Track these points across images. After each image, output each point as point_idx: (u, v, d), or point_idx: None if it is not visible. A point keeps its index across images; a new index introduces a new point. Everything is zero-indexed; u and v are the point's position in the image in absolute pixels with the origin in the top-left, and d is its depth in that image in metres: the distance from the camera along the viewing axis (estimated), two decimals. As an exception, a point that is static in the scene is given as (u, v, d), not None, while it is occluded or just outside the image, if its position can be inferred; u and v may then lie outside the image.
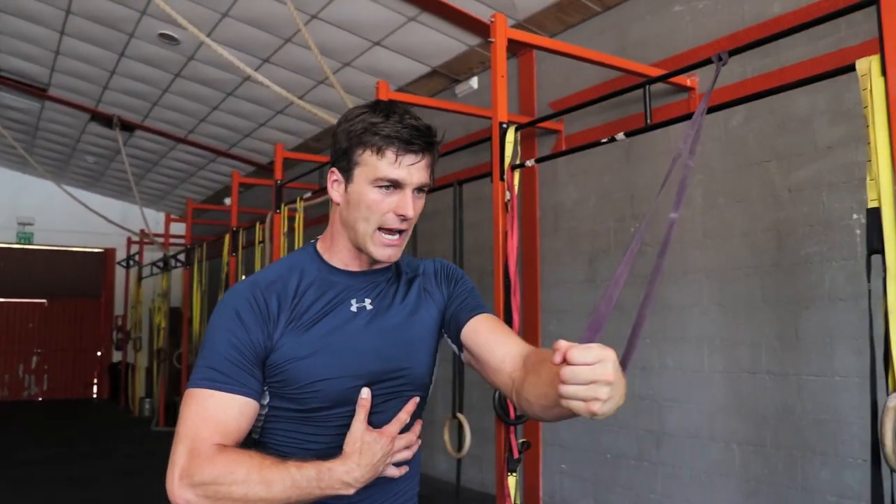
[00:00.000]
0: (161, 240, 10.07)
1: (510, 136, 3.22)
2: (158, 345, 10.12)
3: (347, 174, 1.38)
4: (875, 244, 1.93)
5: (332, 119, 5.18)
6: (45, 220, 12.91)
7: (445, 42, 5.61)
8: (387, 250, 1.40)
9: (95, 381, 14.16)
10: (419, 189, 1.39)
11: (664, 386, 4.26)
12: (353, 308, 1.42)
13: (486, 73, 5.95)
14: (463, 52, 5.77)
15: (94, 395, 14.08)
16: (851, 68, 2.02)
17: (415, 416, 1.44)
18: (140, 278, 11.30)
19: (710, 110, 2.70)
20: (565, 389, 0.99)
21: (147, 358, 11.50)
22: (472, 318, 1.48)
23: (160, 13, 5.98)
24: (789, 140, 3.67)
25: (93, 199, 12.42)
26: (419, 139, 1.35)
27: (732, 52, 2.46)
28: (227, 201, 11.02)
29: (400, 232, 1.40)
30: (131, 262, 11.76)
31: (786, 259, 3.67)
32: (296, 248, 5.59)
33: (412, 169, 1.35)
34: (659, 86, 4.26)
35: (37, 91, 8.43)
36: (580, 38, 4.92)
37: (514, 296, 3.16)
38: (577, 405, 0.99)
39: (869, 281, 1.98)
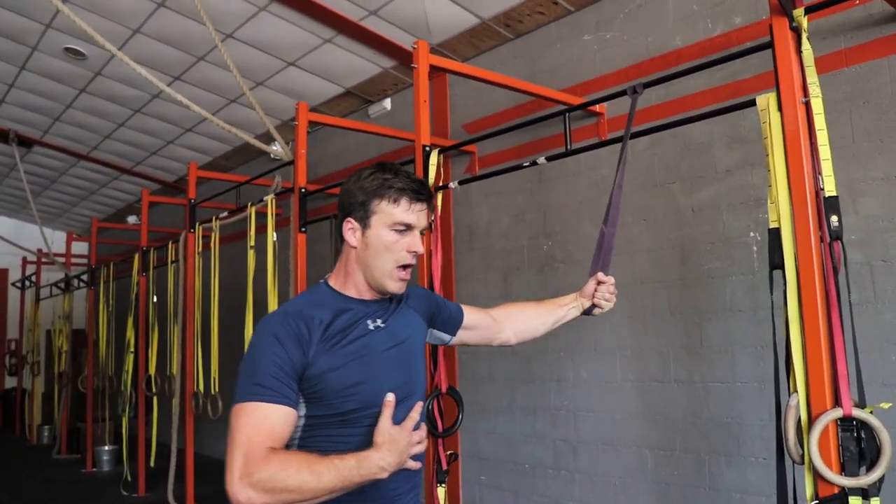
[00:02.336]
0: (62, 259, 9.68)
1: (433, 158, 3.33)
2: (60, 368, 9.72)
3: (364, 222, 1.72)
4: (776, 260, 2.14)
5: (248, 137, 5.18)
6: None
7: (360, 64, 5.70)
8: (400, 284, 1.74)
9: (-14, 408, 13.42)
10: (422, 231, 1.76)
11: (579, 396, 4.46)
12: (371, 326, 1.73)
13: (398, 95, 6.08)
14: (377, 74, 5.87)
15: (-15, 424, 13.34)
16: (752, 103, 2.24)
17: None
18: (38, 299, 10.82)
19: (617, 139, 2.91)
20: (602, 297, 2.23)
21: (45, 383, 11.01)
22: (462, 311, 2.07)
23: (67, 27, 5.83)
24: (691, 163, 3.93)
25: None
26: (424, 190, 1.74)
27: (647, 85, 2.65)
28: (132, 219, 10.72)
29: (408, 266, 1.74)
30: (27, 283, 11.25)
31: (690, 273, 3.92)
32: (211, 267, 5.58)
33: (420, 214, 1.73)
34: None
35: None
36: (491, 62, 5.10)
37: (440, 313, 3.27)
38: (607, 305, 2.24)
39: (772, 293, 2.19)
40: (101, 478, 7.90)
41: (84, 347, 8.89)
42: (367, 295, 1.76)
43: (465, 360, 5.25)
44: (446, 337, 2.04)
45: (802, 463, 2.03)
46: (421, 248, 1.73)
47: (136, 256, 7.07)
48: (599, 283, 2.21)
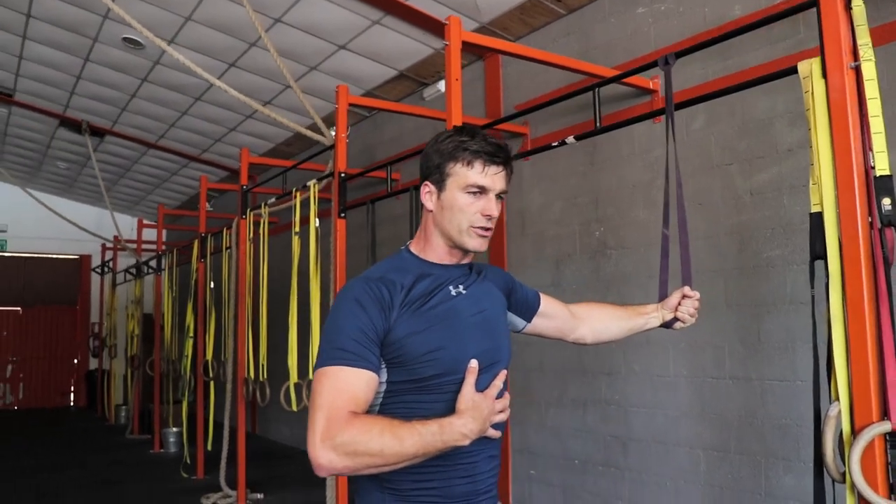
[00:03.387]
0: (133, 246, 9.92)
1: (464, 140, 3.15)
2: (132, 352, 9.99)
3: (440, 185, 1.67)
4: (818, 249, 1.89)
5: (296, 126, 5.11)
6: (18, 226, 12.75)
7: (411, 45, 5.55)
8: (478, 240, 1.67)
9: (72, 389, 13.99)
10: (499, 195, 1.68)
11: (630, 391, 4.22)
12: (453, 292, 1.67)
13: (454, 76, 5.89)
14: (429, 55, 5.70)
15: (72, 404, 13.92)
16: (793, 70, 1.97)
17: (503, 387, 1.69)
18: (114, 285, 11.15)
19: (649, 114, 2.66)
20: (686, 311, 2.12)
21: (123, 365, 11.37)
22: (539, 297, 2.00)
23: (122, 17, 5.89)
24: (750, 143, 3.63)
25: (67, 205, 12.27)
26: (500, 153, 1.65)
27: (679, 55, 2.40)
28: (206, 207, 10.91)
29: (487, 228, 1.67)
30: (106, 269, 11.61)
31: (748, 262, 3.63)
32: (261, 253, 5.55)
33: (495, 178, 1.65)
34: (620, 88, 4.23)
35: (2, 97, 8.29)
36: (544, 40, 4.87)
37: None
38: (690, 319, 2.12)
39: (812, 287, 1.94)
40: (166, 459, 8.07)
41: (153, 331, 9.08)
42: (448, 259, 1.72)
43: (514, 350, 5.04)
44: (520, 323, 1.96)
45: (843, 481, 1.77)
46: (496, 212, 1.66)
47: (196, 243, 7.13)
48: (685, 296, 2.11)
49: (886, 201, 1.77)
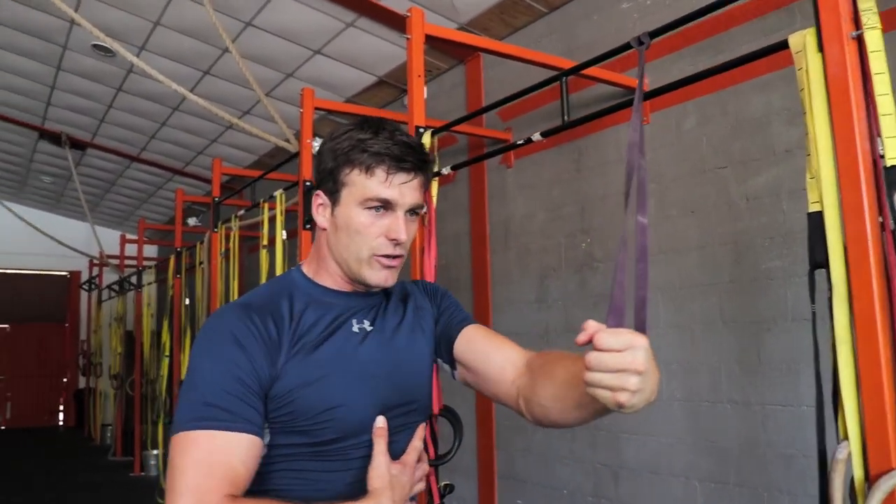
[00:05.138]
0: (116, 262, 9.64)
1: (425, 140, 2.86)
2: (114, 371, 9.69)
3: (334, 196, 1.30)
4: (818, 256, 1.56)
5: (266, 135, 4.83)
6: (6, 242, 12.47)
7: (388, 49, 5.26)
8: (383, 272, 1.30)
9: (62, 407, 13.67)
10: (412, 211, 1.31)
11: (620, 416, 3.84)
12: (355, 329, 1.32)
13: (435, 82, 5.60)
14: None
15: (61, 423, 13.59)
16: (783, 45, 1.66)
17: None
18: (100, 301, 10.88)
19: (621, 104, 2.36)
20: (591, 377, 0.92)
21: (108, 384, 11.06)
22: (462, 328, 1.42)
23: (86, 25, 5.63)
24: (745, 144, 3.32)
25: (55, 220, 12.02)
26: (411, 156, 1.27)
27: (653, 35, 2.09)
28: (192, 221, 10.62)
29: (394, 257, 1.30)
30: (92, 285, 11.33)
31: (744, 274, 3.31)
32: (231, 269, 5.24)
33: (404, 188, 1.27)
34: (606, 89, 3.94)
35: (-23, 109, 8.04)
36: (527, 41, 4.58)
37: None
38: (602, 394, 0.92)
39: (813, 301, 1.62)
40: (145, 483, 7.74)
41: (135, 349, 8.80)
42: (348, 286, 1.36)
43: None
44: (447, 368, 1.46)
45: (855, 539, 1.45)
46: (403, 235, 1.28)
47: (171, 258, 6.85)
48: (595, 346, 0.96)
49: (900, 198, 1.45)
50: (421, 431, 1.35)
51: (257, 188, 5.32)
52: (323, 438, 1.22)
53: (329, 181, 1.31)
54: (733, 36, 3.37)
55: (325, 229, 1.34)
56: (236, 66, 5.96)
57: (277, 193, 4.34)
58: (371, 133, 1.27)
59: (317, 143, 4.04)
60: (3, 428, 13.13)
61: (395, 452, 1.29)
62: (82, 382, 12.96)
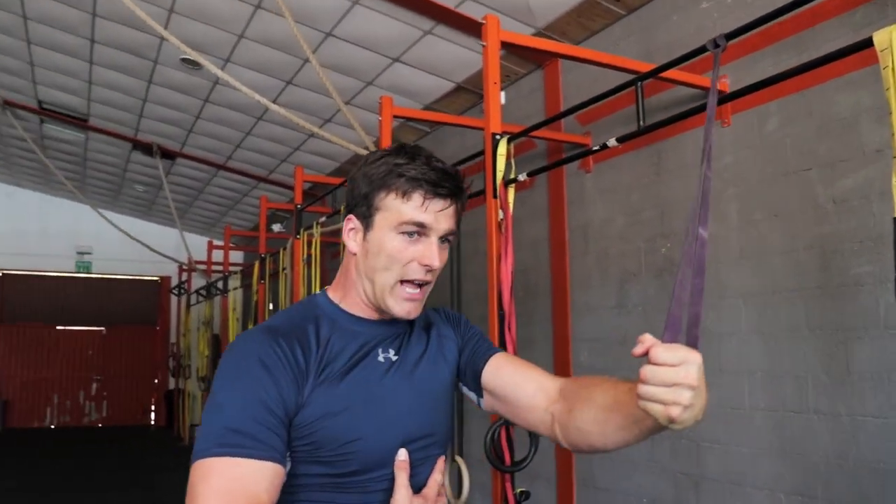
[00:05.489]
0: (203, 267, 10.00)
1: (501, 147, 2.87)
2: (203, 372, 10.04)
3: (367, 221, 1.29)
4: (906, 265, 1.51)
5: (345, 143, 4.93)
6: (102, 249, 13.10)
7: (466, 55, 5.30)
8: (406, 305, 1.30)
9: (153, 407, 14.25)
10: (444, 238, 1.30)
11: (701, 424, 3.77)
12: (381, 359, 1.31)
13: (514, 87, 5.60)
14: (487, 65, 5.44)
15: (152, 422, 14.17)
16: (868, 44, 1.61)
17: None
18: (188, 305, 11.29)
19: (722, 105, 2.31)
20: (645, 390, 0.93)
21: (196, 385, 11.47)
22: (490, 357, 1.42)
23: (174, 41, 5.86)
24: (831, 145, 3.21)
25: (147, 227, 12.56)
26: (448, 183, 1.27)
27: (732, 35, 2.05)
28: (276, 227, 10.92)
29: (422, 285, 1.30)
30: (181, 290, 11.78)
31: (832, 280, 3.20)
32: (313, 275, 5.37)
33: (440, 215, 1.27)
34: (689, 90, 3.86)
35: (78, 122, 8.48)
36: (605, 44, 4.54)
37: (510, 329, 2.79)
38: (655, 408, 0.94)
39: (902, 314, 1.55)
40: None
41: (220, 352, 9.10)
42: (373, 314, 1.35)
43: (577, 374, 4.69)
44: (474, 397, 1.45)
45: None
46: (436, 261, 1.27)
47: (256, 264, 7.06)
48: (651, 360, 0.95)
49: None
50: (441, 465, 1.33)
51: (338, 195, 5.43)
52: (344, 470, 1.22)
53: (363, 205, 1.30)
54: (819, 32, 3.26)
55: (354, 254, 1.33)
56: (317, 75, 6.13)
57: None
58: (407, 158, 1.27)
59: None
60: (100, 426, 13.78)
61: (416, 485, 1.28)
62: (172, 384, 13.48)
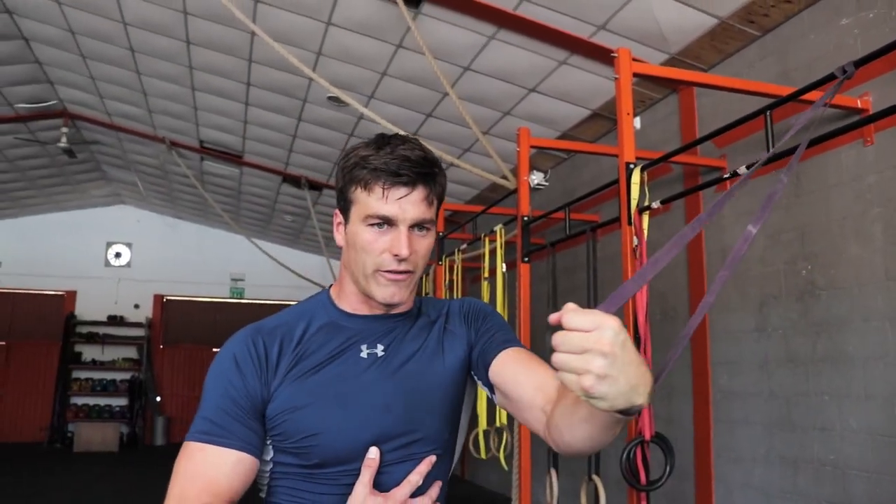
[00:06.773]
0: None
1: (635, 176, 2.98)
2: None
3: (346, 215, 1.31)
4: None
5: (484, 173, 5.15)
6: (254, 275, 13.97)
7: (600, 83, 5.41)
8: (388, 289, 1.28)
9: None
10: (419, 226, 1.28)
11: (848, 450, 3.71)
12: (364, 354, 1.31)
13: (648, 112, 5.66)
14: (620, 92, 5.54)
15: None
16: None
17: (432, 476, 1.32)
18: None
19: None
20: (556, 358, 0.83)
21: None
22: (501, 351, 1.34)
23: (325, 79, 6.31)
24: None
25: (294, 255, 13.30)
26: (408, 170, 1.23)
27: (858, 63, 2.09)
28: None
29: (401, 272, 1.28)
30: (327, 314, 12.32)
31: None
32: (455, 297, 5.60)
33: (404, 203, 1.24)
34: (829, 109, 3.82)
35: (234, 158, 9.19)
36: (740, 66, 4.54)
37: (646, 353, 2.88)
38: (569, 378, 0.83)
39: None
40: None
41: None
42: (364, 309, 1.35)
43: (719, 401, 4.66)
44: (488, 392, 1.39)
45: None
46: (405, 251, 1.24)
47: (397, 288, 7.37)
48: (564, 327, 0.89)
49: None
50: (423, 467, 1.29)
51: (478, 222, 5.65)
52: (308, 462, 1.26)
53: (341, 200, 1.32)
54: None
55: (341, 247, 1.36)
56: (456, 108, 6.42)
57: (497, 228, 4.62)
58: (374, 149, 1.26)
59: (535, 178, 4.28)
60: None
61: (389, 484, 1.26)
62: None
